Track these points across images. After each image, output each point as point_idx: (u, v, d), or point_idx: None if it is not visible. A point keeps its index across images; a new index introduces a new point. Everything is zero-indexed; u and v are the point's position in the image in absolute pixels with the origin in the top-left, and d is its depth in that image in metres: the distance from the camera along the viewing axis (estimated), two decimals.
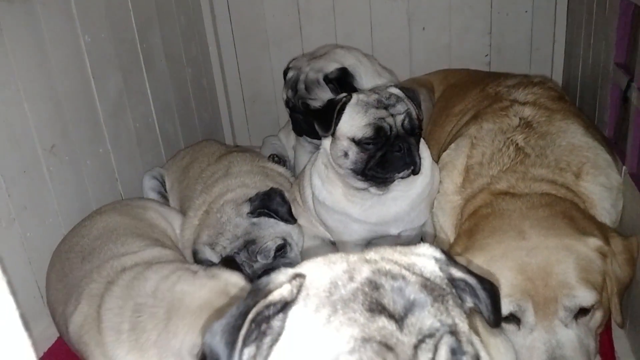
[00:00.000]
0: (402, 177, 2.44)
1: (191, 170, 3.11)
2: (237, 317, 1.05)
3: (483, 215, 2.20)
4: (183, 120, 3.80)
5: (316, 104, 3.21)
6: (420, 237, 2.72)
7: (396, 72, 3.59)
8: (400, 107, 2.40)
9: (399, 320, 0.99)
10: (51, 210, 2.66)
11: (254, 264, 2.57)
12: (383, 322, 0.98)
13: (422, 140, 2.55)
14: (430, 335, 0.98)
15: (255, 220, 2.58)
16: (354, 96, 2.43)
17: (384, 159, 2.37)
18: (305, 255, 2.71)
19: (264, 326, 1.08)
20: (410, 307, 1.01)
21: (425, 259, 1.15)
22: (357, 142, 2.38)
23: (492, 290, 1.15)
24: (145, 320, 1.90)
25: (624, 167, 2.34)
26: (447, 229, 2.50)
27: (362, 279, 1.05)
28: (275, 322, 1.07)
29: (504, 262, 1.90)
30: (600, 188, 2.29)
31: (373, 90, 2.51)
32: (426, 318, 1.00)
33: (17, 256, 2.46)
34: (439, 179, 2.57)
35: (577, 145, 2.37)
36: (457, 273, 1.15)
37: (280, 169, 3.16)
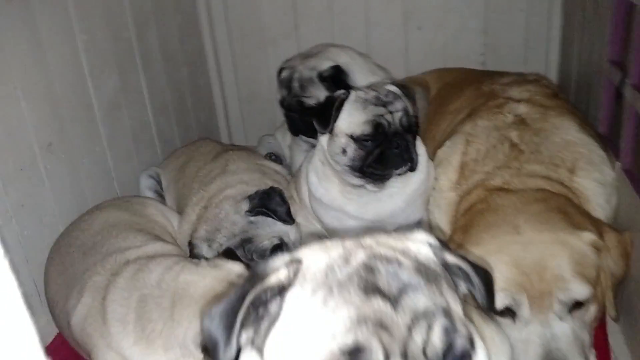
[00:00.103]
0: (399, 174, 2.45)
1: (187, 169, 3.12)
2: (234, 301, 1.07)
3: (478, 210, 2.22)
4: (179, 119, 3.81)
5: (311, 102, 3.23)
6: None
7: (392, 71, 3.61)
8: (398, 105, 2.41)
9: (393, 301, 1.01)
10: (48, 208, 2.66)
11: (250, 262, 2.57)
12: (378, 303, 1.01)
13: (418, 137, 2.57)
14: (424, 316, 1.00)
15: (253, 218, 2.57)
16: (352, 93, 2.44)
17: (382, 156, 2.39)
18: None
19: (261, 310, 1.10)
20: (404, 289, 1.03)
21: (420, 245, 1.17)
22: (356, 139, 2.39)
23: (485, 276, 1.17)
24: (150, 311, 1.91)
25: (617, 163, 2.36)
26: (443, 225, 2.51)
27: (358, 262, 1.08)
28: (273, 306, 1.10)
29: (499, 257, 1.92)
30: (594, 184, 2.31)
31: (371, 87, 2.52)
32: (420, 299, 1.02)
33: (14, 254, 2.46)
34: (435, 176, 2.59)
35: (571, 142, 2.39)
36: (451, 258, 1.17)
37: (277, 167, 3.16)
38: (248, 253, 2.56)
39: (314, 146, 2.77)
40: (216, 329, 1.06)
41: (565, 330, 1.88)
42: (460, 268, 1.16)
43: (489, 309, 1.17)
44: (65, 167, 2.76)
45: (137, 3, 3.30)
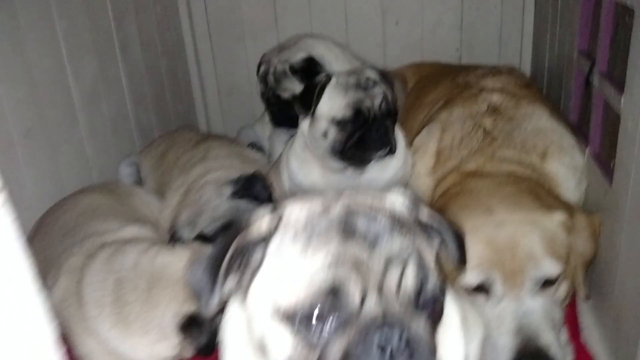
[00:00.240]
0: (379, 157, 2.50)
1: (168, 156, 3.12)
2: (219, 251, 1.11)
3: (453, 194, 2.28)
4: (157, 110, 3.80)
5: (285, 95, 3.26)
6: None
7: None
8: (378, 90, 2.47)
9: (369, 245, 1.08)
10: (26, 195, 2.64)
11: None
12: (355, 246, 1.07)
13: (397, 123, 2.62)
14: (399, 258, 1.07)
15: (234, 203, 2.59)
16: (334, 78, 2.49)
17: (362, 140, 2.44)
18: None
19: (244, 258, 1.14)
20: (381, 235, 1.10)
21: (396, 201, 1.23)
22: (337, 123, 2.44)
23: (456, 232, 1.25)
24: (127, 294, 1.91)
25: (587, 148, 2.44)
26: None
27: (337, 212, 1.14)
28: (256, 254, 1.15)
29: (473, 236, 1.97)
30: (564, 168, 2.39)
31: (351, 72, 2.57)
32: (395, 244, 1.09)
33: None
34: (412, 162, 2.65)
35: (543, 129, 2.47)
36: (425, 213, 1.24)
37: (257, 155, 3.19)
38: None
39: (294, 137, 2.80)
40: (201, 277, 1.10)
41: (537, 307, 1.94)
42: (433, 222, 1.23)
43: (460, 261, 1.23)
44: (44, 153, 2.74)
45: None
